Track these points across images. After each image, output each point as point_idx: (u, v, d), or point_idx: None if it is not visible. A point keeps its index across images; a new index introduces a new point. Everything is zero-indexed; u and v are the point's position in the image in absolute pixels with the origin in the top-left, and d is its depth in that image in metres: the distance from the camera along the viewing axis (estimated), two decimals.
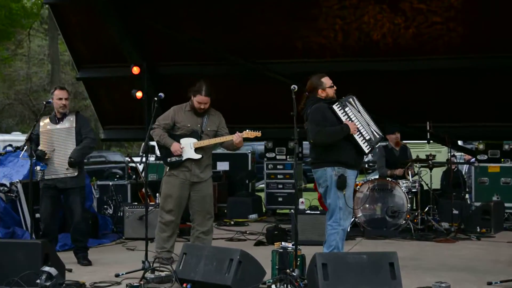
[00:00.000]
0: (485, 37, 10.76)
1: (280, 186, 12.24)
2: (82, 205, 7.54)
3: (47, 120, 7.56)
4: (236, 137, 6.98)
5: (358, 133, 6.35)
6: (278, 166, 12.32)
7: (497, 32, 10.60)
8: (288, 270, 5.90)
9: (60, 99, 7.48)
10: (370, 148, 6.44)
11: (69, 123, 7.50)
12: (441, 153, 14.14)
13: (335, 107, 6.37)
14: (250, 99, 12.20)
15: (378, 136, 6.55)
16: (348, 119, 6.36)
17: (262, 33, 11.49)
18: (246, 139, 7.19)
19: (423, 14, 10.77)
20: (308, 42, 11.50)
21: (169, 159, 7.12)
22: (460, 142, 17.15)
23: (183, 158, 7.08)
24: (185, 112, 7.16)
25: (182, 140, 7.11)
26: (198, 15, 11.53)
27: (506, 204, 10.47)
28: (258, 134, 7.10)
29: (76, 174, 7.38)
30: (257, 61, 11.90)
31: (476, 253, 8.03)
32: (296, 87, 6.21)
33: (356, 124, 6.35)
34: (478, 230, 9.41)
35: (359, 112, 6.48)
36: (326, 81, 6.56)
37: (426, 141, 10.37)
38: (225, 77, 11.95)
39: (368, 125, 6.49)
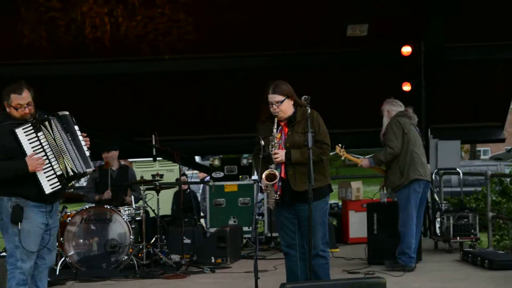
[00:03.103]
0: (226, 35, 11.47)
1: None
2: None
3: None
4: None
5: (47, 167, 6.30)
6: None
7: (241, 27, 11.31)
8: None
9: None
10: (57, 187, 6.37)
11: None
12: (174, 172, 14.74)
13: (22, 131, 6.25)
14: None
15: (81, 171, 6.39)
16: (40, 148, 6.29)
17: None
18: None
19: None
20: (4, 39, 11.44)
21: None
22: (197, 158, 18.05)
23: None
24: None
25: None
26: None
27: (244, 228, 11.30)
28: None
29: None
30: None
31: None
32: None
33: (43, 157, 6.28)
34: (213, 260, 10.07)
35: (54, 139, 6.37)
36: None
37: (152, 159, 10.69)
38: None
39: (69, 154, 6.39)
